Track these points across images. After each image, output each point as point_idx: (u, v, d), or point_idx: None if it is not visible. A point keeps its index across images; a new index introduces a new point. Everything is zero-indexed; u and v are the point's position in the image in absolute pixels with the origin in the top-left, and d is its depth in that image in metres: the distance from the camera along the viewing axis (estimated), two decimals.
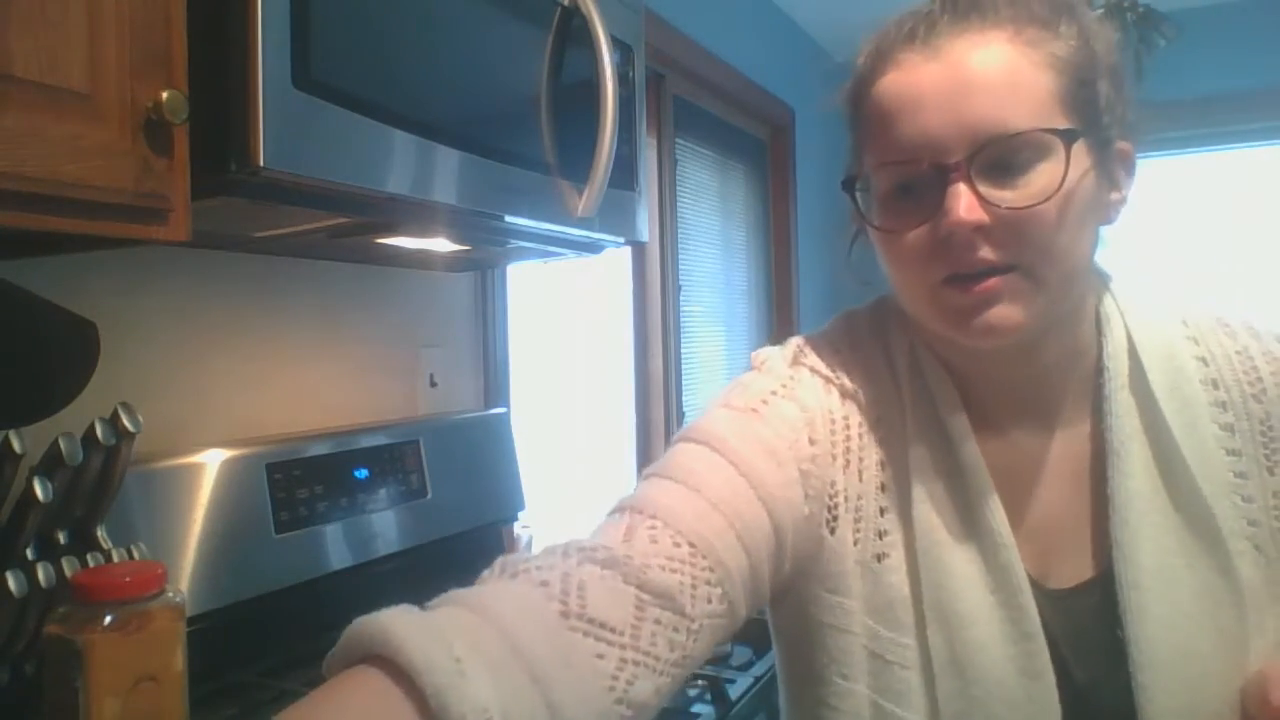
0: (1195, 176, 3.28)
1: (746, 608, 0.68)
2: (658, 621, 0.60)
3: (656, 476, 0.69)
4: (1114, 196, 0.71)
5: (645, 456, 2.51)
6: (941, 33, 0.67)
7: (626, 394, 2.49)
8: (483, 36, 1.08)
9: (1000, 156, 0.65)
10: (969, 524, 0.72)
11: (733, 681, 1.18)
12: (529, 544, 1.18)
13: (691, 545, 0.63)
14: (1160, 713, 0.67)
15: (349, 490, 1.36)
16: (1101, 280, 0.77)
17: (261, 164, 0.82)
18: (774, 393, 0.75)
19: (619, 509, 0.68)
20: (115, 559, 0.94)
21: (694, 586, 0.62)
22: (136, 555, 0.96)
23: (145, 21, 0.77)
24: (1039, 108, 0.65)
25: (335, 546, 1.33)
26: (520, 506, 1.72)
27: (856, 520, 0.74)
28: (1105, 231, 0.73)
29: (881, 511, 0.74)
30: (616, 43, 1.23)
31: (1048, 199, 0.64)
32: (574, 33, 1.19)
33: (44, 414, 0.91)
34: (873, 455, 0.75)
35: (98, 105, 0.73)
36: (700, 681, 1.18)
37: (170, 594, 0.83)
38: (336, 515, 1.34)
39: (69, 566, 0.89)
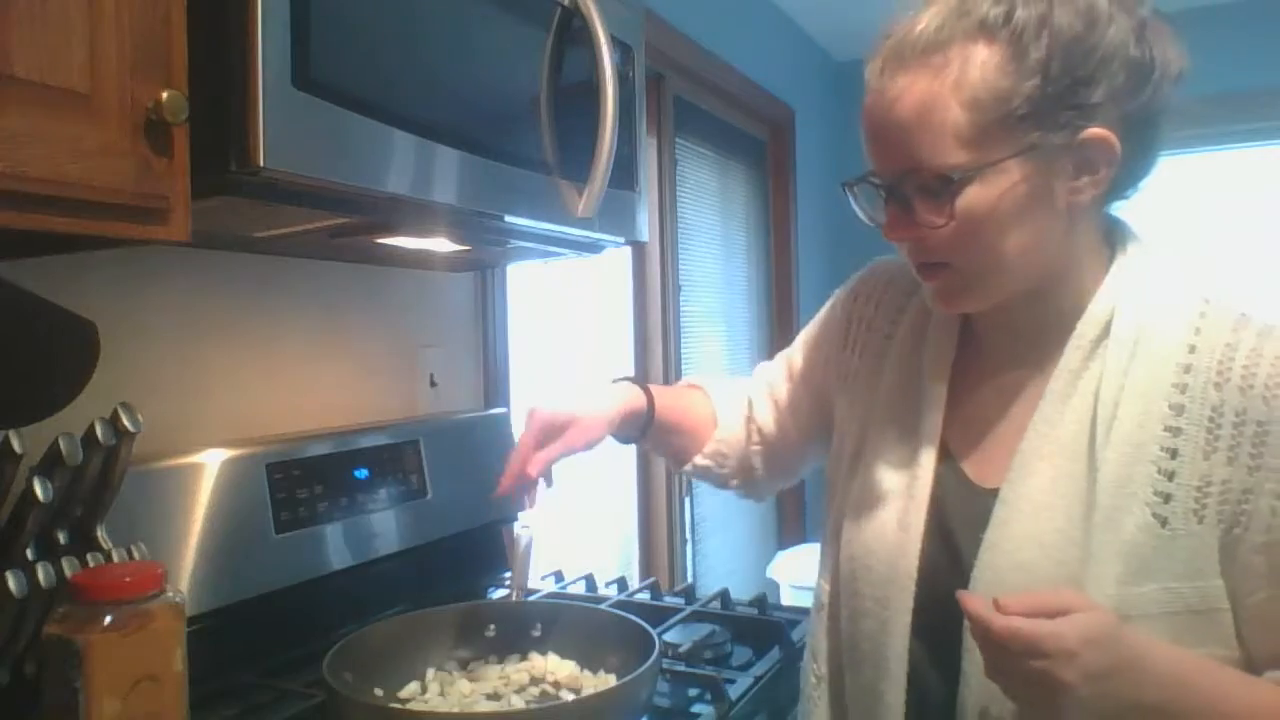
0: (1196, 177, 3.28)
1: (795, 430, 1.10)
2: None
3: (780, 358, 1.14)
4: (1081, 182, 0.79)
5: (645, 455, 2.51)
6: (889, 67, 0.80)
7: None
8: (483, 36, 1.08)
9: (919, 183, 0.80)
10: (918, 402, 0.91)
11: (733, 681, 1.18)
12: (529, 544, 1.17)
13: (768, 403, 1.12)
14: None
15: (349, 490, 1.36)
16: (1124, 254, 0.85)
17: (261, 164, 0.82)
18: (846, 293, 1.07)
19: (773, 365, 1.15)
20: (115, 559, 0.94)
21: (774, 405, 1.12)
22: (136, 555, 0.96)
23: (145, 21, 0.77)
24: (942, 145, 0.77)
25: (335, 546, 1.33)
26: (520, 507, 1.71)
27: (853, 389, 1.00)
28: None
29: (866, 381, 0.99)
30: (616, 43, 1.23)
31: (946, 224, 0.78)
32: (574, 33, 1.19)
33: (44, 414, 0.92)
34: (883, 349, 0.99)
35: (98, 105, 0.73)
36: (700, 682, 1.18)
37: (170, 594, 0.83)
38: (336, 515, 1.34)
39: (69, 566, 0.89)
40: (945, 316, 0.93)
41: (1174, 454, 0.77)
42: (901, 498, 0.88)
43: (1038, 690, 0.70)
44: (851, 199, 0.87)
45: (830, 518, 0.99)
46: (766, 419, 1.12)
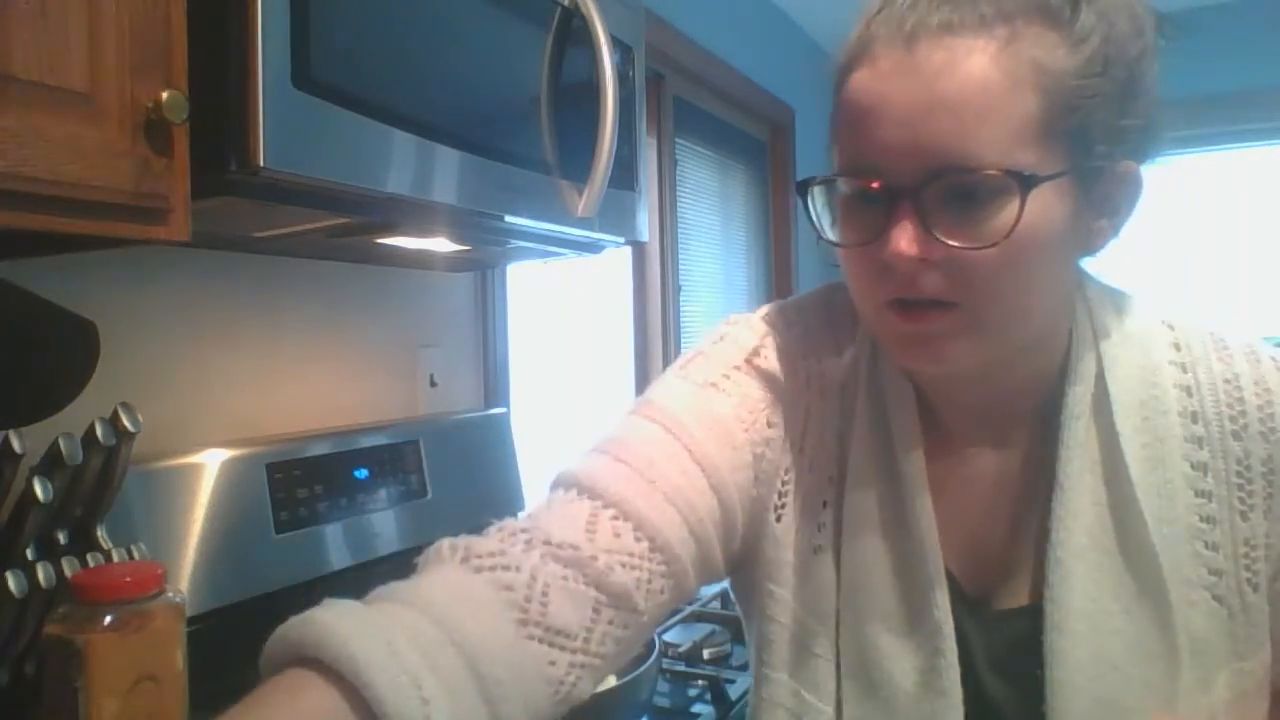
0: (1195, 177, 3.28)
1: (697, 588, 0.69)
2: (610, 622, 0.62)
3: (613, 458, 0.68)
4: (1101, 224, 0.66)
5: None
6: (927, 30, 0.59)
7: (626, 394, 2.49)
8: (483, 36, 1.08)
9: (957, 187, 0.59)
10: (896, 523, 0.70)
11: (733, 681, 1.18)
12: None
13: (651, 540, 0.64)
14: None
15: (349, 490, 1.36)
16: (1084, 299, 0.71)
17: (261, 164, 0.82)
18: (737, 368, 0.73)
19: (576, 487, 0.68)
20: (115, 559, 0.94)
21: (649, 582, 0.64)
22: (136, 555, 0.96)
23: (145, 21, 0.76)
24: (1008, 137, 0.59)
25: (335, 546, 1.33)
26: (520, 506, 1.72)
27: (801, 510, 0.73)
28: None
29: (824, 504, 0.72)
30: (616, 43, 1.23)
31: (994, 244, 0.59)
32: (574, 33, 1.19)
33: (44, 414, 0.91)
34: (827, 446, 0.73)
35: (98, 105, 0.73)
36: (700, 681, 1.18)
37: (170, 594, 0.83)
38: (336, 515, 1.34)
39: (69, 566, 0.89)
40: (899, 392, 0.72)
41: (1211, 521, 0.67)
42: (920, 654, 0.68)
43: None
44: (808, 205, 0.67)
45: (777, 694, 0.73)
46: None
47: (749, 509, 0.71)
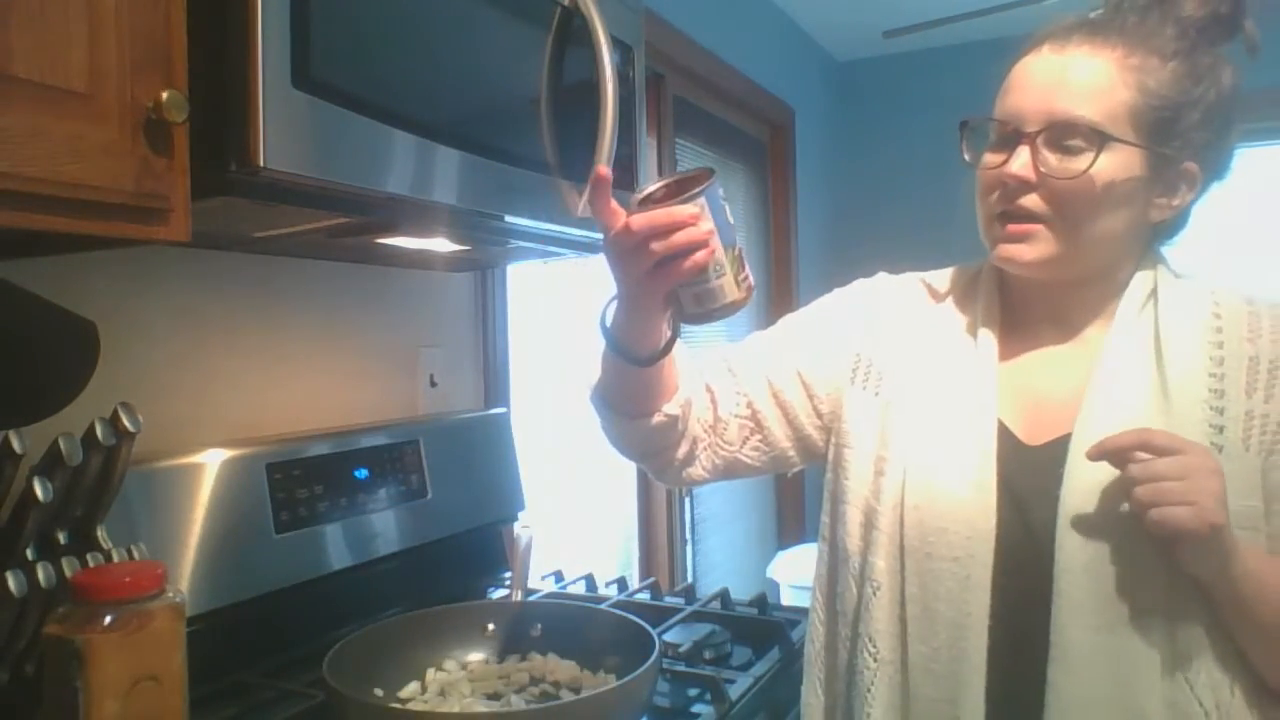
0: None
1: (775, 427, 1.04)
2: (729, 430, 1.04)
3: (763, 336, 1.09)
4: (1161, 201, 0.92)
5: None
6: (1075, 38, 0.90)
7: None
8: (483, 36, 1.08)
9: (1063, 135, 0.87)
10: (962, 380, 0.95)
11: (733, 681, 1.18)
12: (529, 544, 1.18)
13: (744, 396, 1.03)
14: (1071, 556, 0.84)
15: (349, 490, 1.36)
16: (1150, 259, 0.95)
17: (261, 164, 0.82)
18: (855, 289, 1.09)
19: (746, 345, 1.09)
20: (115, 559, 0.94)
21: (736, 408, 1.04)
22: (136, 555, 0.96)
23: (145, 21, 0.77)
24: (1105, 112, 0.87)
25: (335, 546, 1.33)
26: (520, 506, 1.72)
27: (878, 377, 1.00)
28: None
29: (897, 366, 0.99)
30: (616, 43, 1.23)
31: (1075, 177, 0.86)
32: (574, 33, 1.19)
33: (44, 414, 0.91)
34: (915, 333, 1.01)
35: (98, 105, 0.73)
36: (700, 681, 1.18)
37: (170, 594, 0.83)
38: (336, 515, 1.34)
39: (69, 566, 0.89)
40: (989, 294, 0.99)
41: (1221, 395, 0.87)
42: (967, 461, 0.91)
43: (1186, 509, 0.77)
44: (963, 138, 0.95)
45: (854, 506, 0.97)
46: (764, 404, 1.03)
47: (835, 374, 1.03)
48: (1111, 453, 0.81)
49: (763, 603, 1.49)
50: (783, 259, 3.30)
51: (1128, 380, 0.90)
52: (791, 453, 1.04)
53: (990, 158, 0.93)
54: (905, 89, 3.60)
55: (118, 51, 0.74)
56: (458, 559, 1.55)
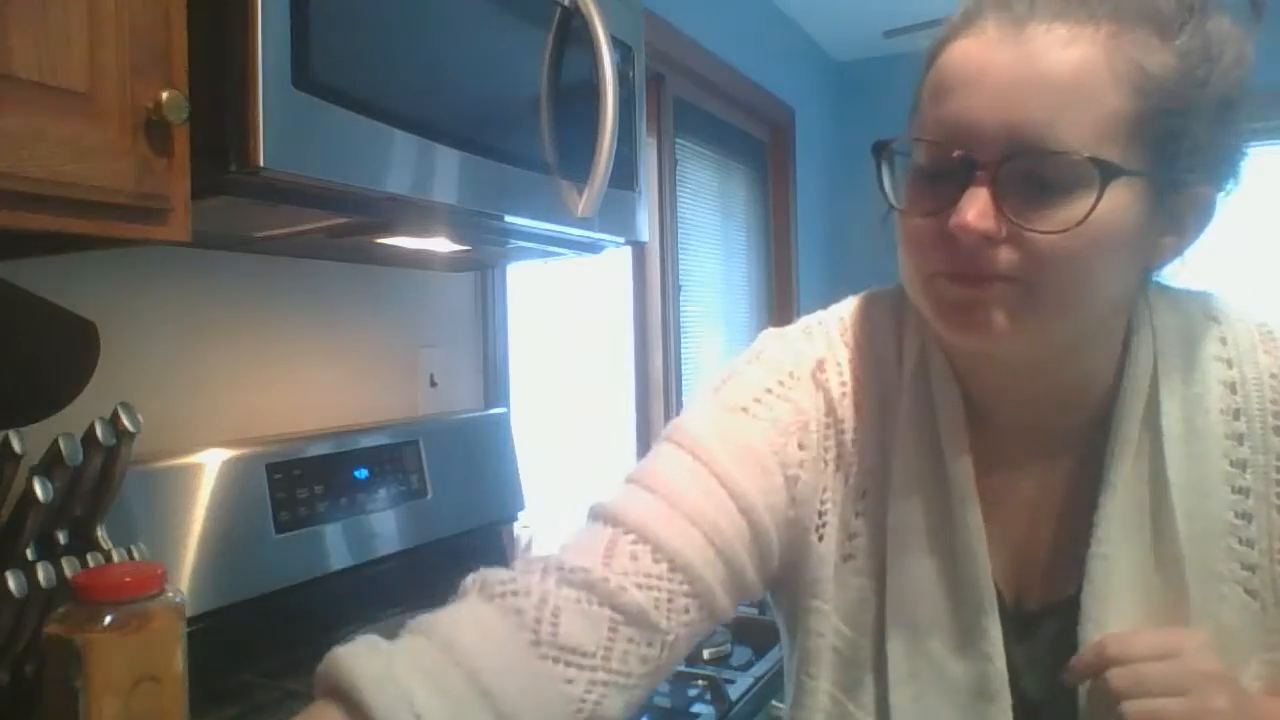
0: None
1: (730, 608, 0.68)
2: (630, 640, 0.61)
3: (640, 486, 0.70)
4: (1167, 240, 0.66)
5: (647, 452, 2.51)
6: (1039, 12, 0.60)
7: (626, 394, 2.49)
8: (483, 36, 1.08)
9: (1034, 170, 0.59)
10: (944, 535, 0.70)
11: (733, 682, 1.18)
12: (529, 544, 1.18)
13: (670, 561, 0.64)
14: None
15: (349, 490, 1.36)
16: (1146, 303, 0.71)
17: (261, 164, 0.82)
18: (769, 390, 0.72)
19: (600, 517, 0.68)
20: (115, 559, 0.94)
21: (670, 601, 0.63)
22: (136, 555, 0.96)
23: (145, 21, 0.76)
24: (1097, 129, 0.59)
25: (335, 546, 1.33)
26: (520, 506, 1.72)
27: (840, 524, 0.73)
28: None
29: (856, 514, 0.73)
30: (616, 43, 1.23)
31: (1065, 230, 0.59)
32: (574, 33, 1.19)
33: (44, 414, 0.92)
34: (864, 459, 0.73)
35: (98, 105, 0.73)
36: (700, 681, 1.18)
37: (170, 594, 0.83)
38: (336, 515, 1.34)
39: (69, 566, 0.89)
40: (948, 397, 0.71)
41: (1248, 518, 0.67)
42: (970, 661, 0.69)
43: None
44: (882, 167, 0.67)
45: (830, 700, 0.74)
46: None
47: (786, 530, 0.71)
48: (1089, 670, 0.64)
49: (763, 603, 1.49)
50: (782, 259, 3.30)
51: (1129, 525, 0.68)
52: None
53: (922, 199, 0.64)
54: (905, 89, 3.59)
55: (118, 51, 0.74)
56: (458, 559, 1.54)
